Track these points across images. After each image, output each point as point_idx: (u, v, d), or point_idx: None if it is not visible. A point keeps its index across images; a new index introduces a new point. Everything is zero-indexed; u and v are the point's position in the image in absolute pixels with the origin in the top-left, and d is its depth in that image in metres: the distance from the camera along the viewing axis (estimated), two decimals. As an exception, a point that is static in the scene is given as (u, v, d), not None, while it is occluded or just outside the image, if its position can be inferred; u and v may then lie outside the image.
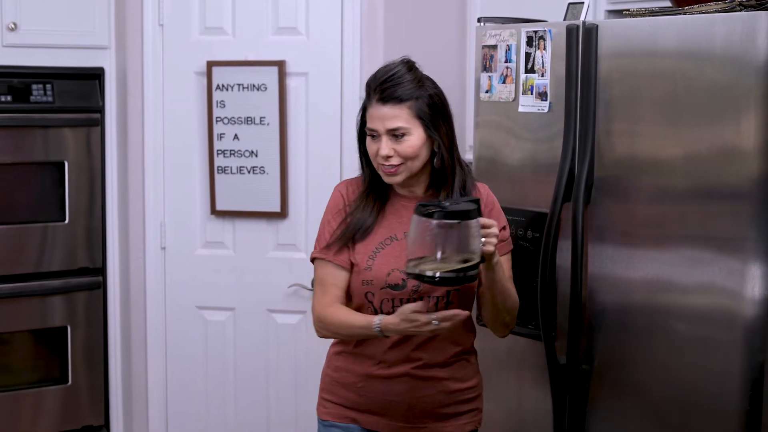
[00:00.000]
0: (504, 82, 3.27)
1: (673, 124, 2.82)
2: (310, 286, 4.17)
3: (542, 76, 3.15)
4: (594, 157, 3.01)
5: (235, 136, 4.20)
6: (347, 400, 2.79)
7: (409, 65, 2.70)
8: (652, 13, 3.00)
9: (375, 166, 2.72)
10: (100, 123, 4.43)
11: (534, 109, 3.19)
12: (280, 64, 4.16)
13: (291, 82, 4.20)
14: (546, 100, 3.14)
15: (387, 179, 2.70)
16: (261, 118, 4.18)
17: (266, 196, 4.21)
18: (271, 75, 4.18)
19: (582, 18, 3.19)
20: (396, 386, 2.73)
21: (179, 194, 4.35)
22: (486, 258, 2.55)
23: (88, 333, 4.49)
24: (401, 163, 2.66)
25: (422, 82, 2.70)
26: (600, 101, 3.00)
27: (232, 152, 4.21)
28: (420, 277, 2.48)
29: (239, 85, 4.19)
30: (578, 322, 3.05)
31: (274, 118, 4.17)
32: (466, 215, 2.46)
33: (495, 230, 2.54)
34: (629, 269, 2.96)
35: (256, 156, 4.19)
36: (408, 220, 2.63)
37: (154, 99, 4.34)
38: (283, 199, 4.19)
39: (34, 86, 4.30)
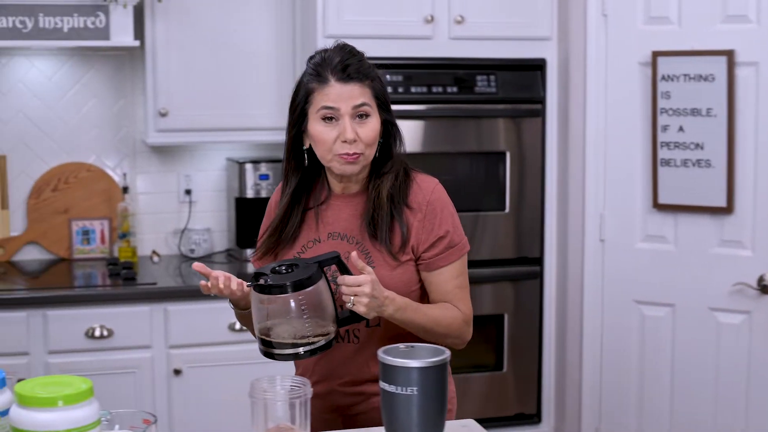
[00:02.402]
0: None
1: None
2: (755, 285, 3.99)
3: None
4: None
5: (680, 128, 4.08)
6: None
7: (352, 48, 2.50)
8: None
9: (326, 158, 2.46)
10: (541, 114, 4.47)
11: None
12: (729, 54, 3.98)
13: (740, 72, 4.01)
14: None
15: (343, 168, 2.44)
16: (708, 109, 4.03)
17: (711, 190, 4.05)
18: (718, 65, 4.01)
19: None
20: (327, 403, 2.53)
21: (620, 186, 4.29)
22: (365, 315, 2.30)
23: (523, 322, 4.56)
24: (361, 153, 2.43)
25: (371, 64, 2.50)
26: None
27: (677, 144, 4.10)
28: (262, 341, 2.31)
29: (685, 75, 4.06)
30: None
31: (721, 110, 4.01)
32: (281, 289, 2.23)
33: (365, 288, 2.26)
34: None
35: (702, 149, 4.05)
36: (334, 221, 2.51)
37: (596, 90, 4.31)
38: (730, 193, 4.01)
39: (479, 77, 4.40)
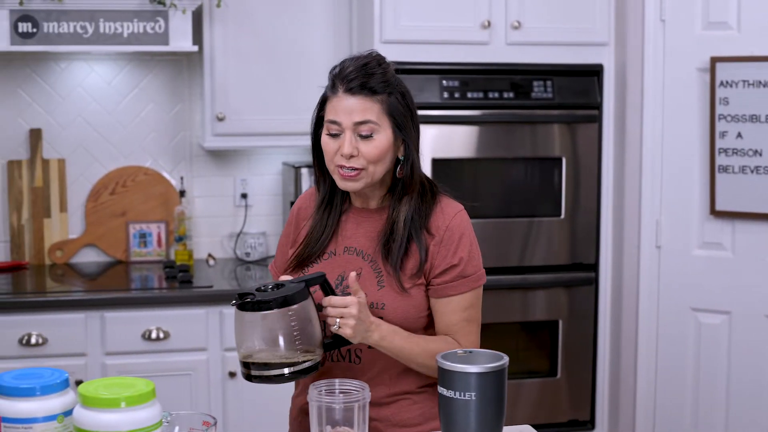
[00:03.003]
0: None
1: None
2: (815, 294, 3.95)
3: None
4: None
5: (738, 135, 4.05)
6: None
7: (380, 58, 2.40)
8: None
9: (330, 169, 2.39)
10: (598, 120, 4.45)
11: None
12: (789, 59, 3.96)
13: (800, 78, 3.99)
14: None
15: (343, 185, 2.38)
16: (767, 116, 3.99)
17: (770, 198, 4.03)
18: (778, 70, 3.99)
19: None
20: None
21: (676, 192, 4.27)
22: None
23: (578, 328, 4.54)
24: (363, 168, 2.34)
25: (394, 77, 2.38)
26: None
27: (735, 151, 4.06)
28: (244, 364, 2.22)
29: (744, 81, 4.03)
30: None
31: (780, 116, 3.98)
32: (267, 306, 2.15)
33: (352, 310, 2.20)
34: None
35: (760, 155, 4.01)
36: (352, 235, 2.44)
37: (653, 96, 4.28)
38: (789, 201, 3.99)
39: (535, 83, 4.39)
